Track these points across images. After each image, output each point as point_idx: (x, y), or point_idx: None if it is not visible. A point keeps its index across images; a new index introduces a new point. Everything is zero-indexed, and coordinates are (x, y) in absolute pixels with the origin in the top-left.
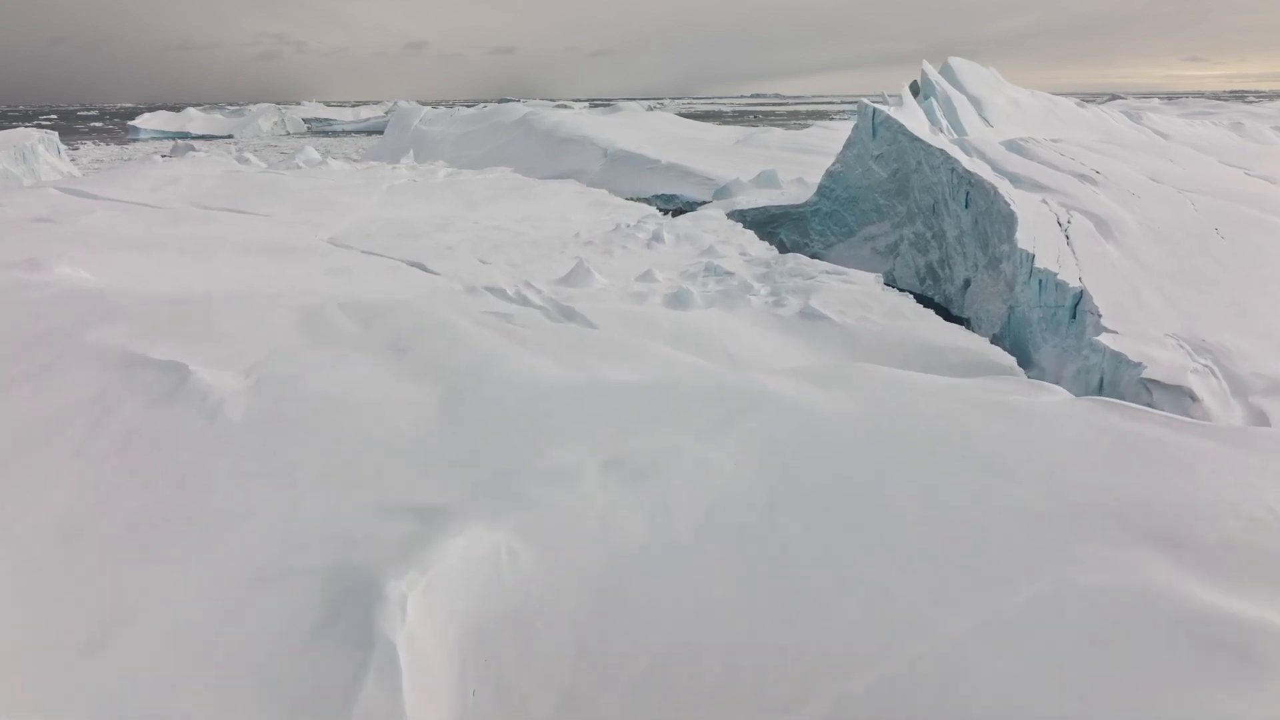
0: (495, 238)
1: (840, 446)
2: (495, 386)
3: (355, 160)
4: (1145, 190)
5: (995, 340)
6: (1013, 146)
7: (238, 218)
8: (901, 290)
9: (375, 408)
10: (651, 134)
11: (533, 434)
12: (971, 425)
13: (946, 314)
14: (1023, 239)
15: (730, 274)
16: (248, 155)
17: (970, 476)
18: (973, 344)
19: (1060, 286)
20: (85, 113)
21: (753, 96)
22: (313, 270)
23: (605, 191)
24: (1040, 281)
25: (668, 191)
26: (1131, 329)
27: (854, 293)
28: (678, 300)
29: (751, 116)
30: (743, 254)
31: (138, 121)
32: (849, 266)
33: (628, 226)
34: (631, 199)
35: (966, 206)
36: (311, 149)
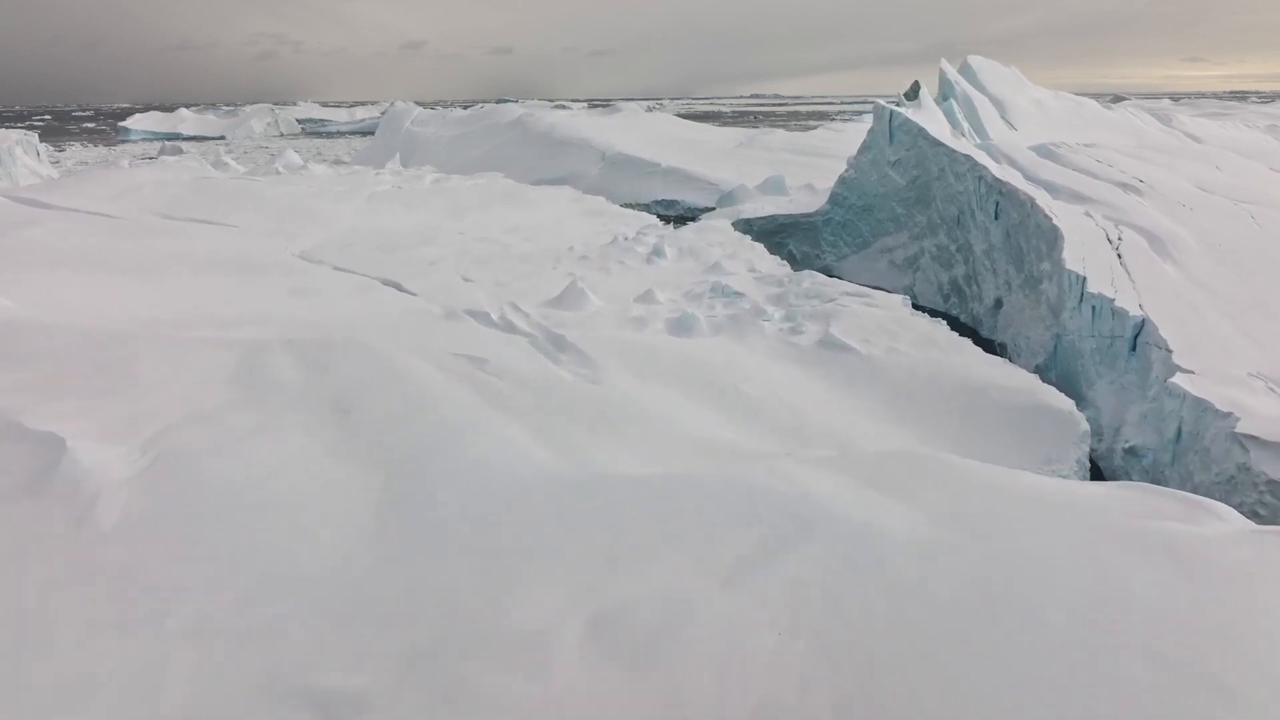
0: (481, 251)
1: (936, 610)
2: (451, 479)
3: (345, 162)
4: (1197, 202)
5: (1039, 372)
6: (1043, 152)
7: (202, 229)
8: (924, 309)
9: (292, 510)
10: (651, 136)
11: (493, 564)
12: (1127, 579)
13: (976, 336)
14: (1070, 258)
15: (739, 295)
16: (226, 159)
17: (1156, 683)
18: (1020, 382)
19: (1117, 314)
20: (81, 113)
21: (752, 97)
22: (275, 291)
23: (603, 199)
24: (1094, 308)
25: (668, 197)
26: (1208, 367)
27: (879, 318)
28: (682, 326)
29: (752, 117)
30: (752, 270)
31: (128, 122)
32: (864, 280)
33: (626, 239)
34: (630, 205)
35: (996, 218)
36: (292, 152)
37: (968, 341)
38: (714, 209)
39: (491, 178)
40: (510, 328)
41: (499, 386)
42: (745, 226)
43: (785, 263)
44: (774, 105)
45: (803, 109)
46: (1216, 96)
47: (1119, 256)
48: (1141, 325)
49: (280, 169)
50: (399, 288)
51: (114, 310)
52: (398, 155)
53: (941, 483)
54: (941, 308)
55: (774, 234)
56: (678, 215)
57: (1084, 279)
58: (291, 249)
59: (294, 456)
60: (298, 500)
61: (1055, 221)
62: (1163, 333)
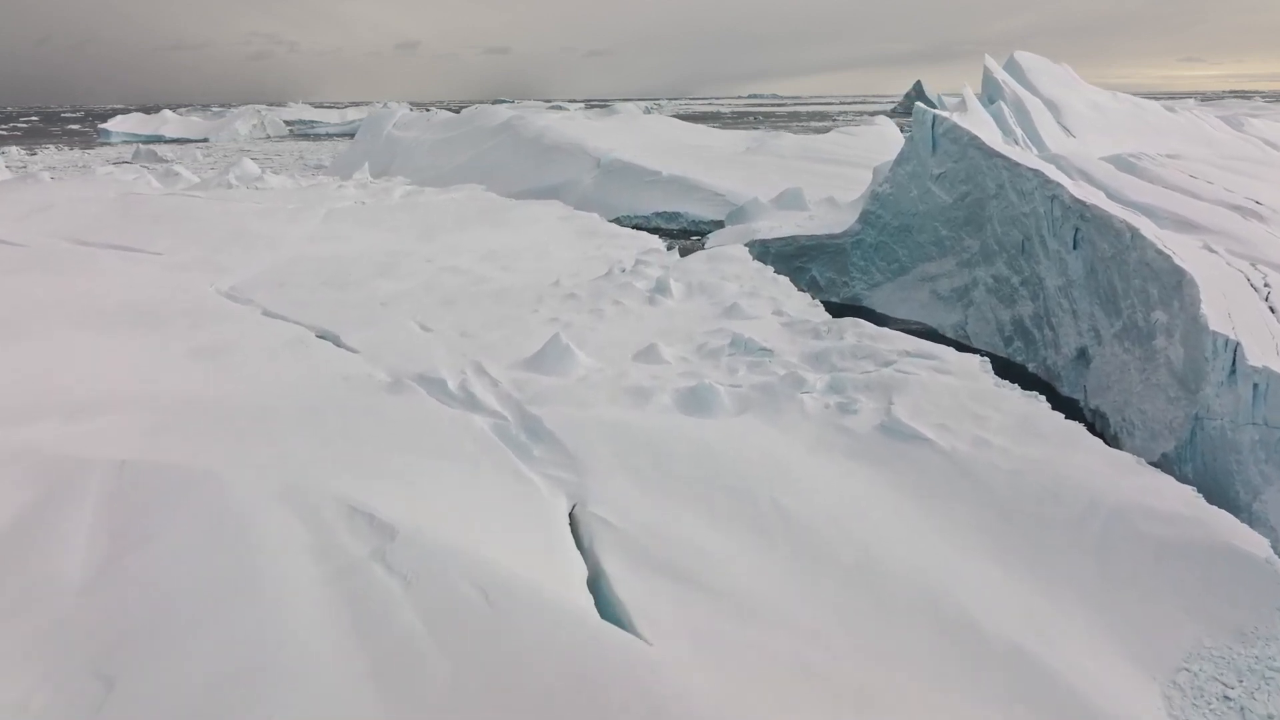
0: (449, 286)
1: None
2: None
3: (325, 166)
4: None
5: (1167, 463)
6: (1122, 164)
7: (114, 259)
8: (980, 352)
9: None
10: (650, 140)
11: None
12: None
13: (1053, 393)
14: (1213, 315)
15: (767, 352)
16: (177, 168)
17: None
18: (1179, 504)
19: None
20: (70, 115)
21: (750, 97)
22: (169, 352)
23: (596, 216)
24: (1256, 386)
25: (670, 209)
26: None
27: (954, 390)
28: (695, 401)
29: (752, 118)
30: (779, 314)
31: (109, 124)
32: (900, 312)
33: (623, 270)
34: (627, 219)
35: (1075, 247)
36: (249, 161)
37: (1080, 428)
38: (721, 223)
39: (471, 191)
40: (471, 403)
41: (399, 618)
42: (761, 249)
43: (817, 302)
44: (773, 105)
45: (802, 110)
46: (1219, 96)
47: (1272, 310)
48: None
49: (233, 181)
50: (337, 341)
51: None
52: (367, 164)
53: None
54: (1003, 352)
55: (794, 258)
56: (681, 230)
57: (1237, 344)
58: (217, 285)
59: None
60: None
61: (1178, 261)
62: None
